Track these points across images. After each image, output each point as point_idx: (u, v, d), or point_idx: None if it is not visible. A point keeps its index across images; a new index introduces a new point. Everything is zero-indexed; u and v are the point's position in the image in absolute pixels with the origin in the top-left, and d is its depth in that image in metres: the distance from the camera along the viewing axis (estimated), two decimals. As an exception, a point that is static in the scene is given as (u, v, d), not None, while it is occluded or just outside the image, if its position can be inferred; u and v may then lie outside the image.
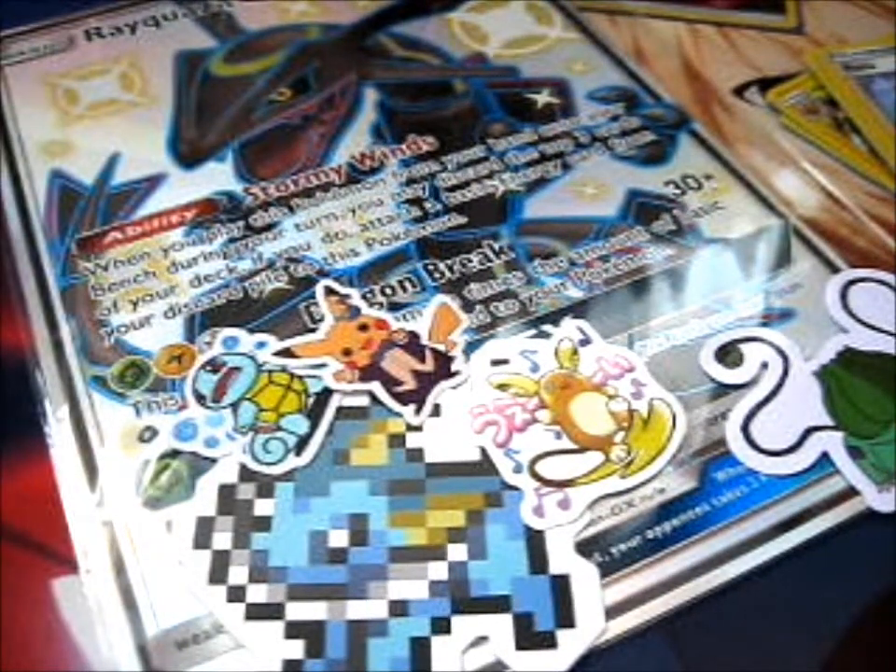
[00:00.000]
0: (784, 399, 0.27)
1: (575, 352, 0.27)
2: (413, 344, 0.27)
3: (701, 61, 0.38)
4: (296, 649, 0.22)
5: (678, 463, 0.25)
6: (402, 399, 0.26)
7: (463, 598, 0.23)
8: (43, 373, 0.27)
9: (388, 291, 0.29)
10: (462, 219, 0.32)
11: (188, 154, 0.34)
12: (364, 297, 0.29)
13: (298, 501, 0.24)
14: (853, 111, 0.36)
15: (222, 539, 0.24)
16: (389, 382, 0.26)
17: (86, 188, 0.33)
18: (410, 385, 0.26)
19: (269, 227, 0.31)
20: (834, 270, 0.30)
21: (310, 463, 0.25)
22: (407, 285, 0.30)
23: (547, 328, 0.28)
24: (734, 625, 0.23)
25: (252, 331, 0.28)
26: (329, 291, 0.29)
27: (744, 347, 0.28)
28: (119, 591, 0.23)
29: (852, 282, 0.29)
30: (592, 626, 0.22)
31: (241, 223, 0.32)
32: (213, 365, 0.27)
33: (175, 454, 0.25)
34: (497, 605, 0.22)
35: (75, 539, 0.24)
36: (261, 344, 0.27)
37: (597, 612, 0.22)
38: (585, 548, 0.24)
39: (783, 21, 0.40)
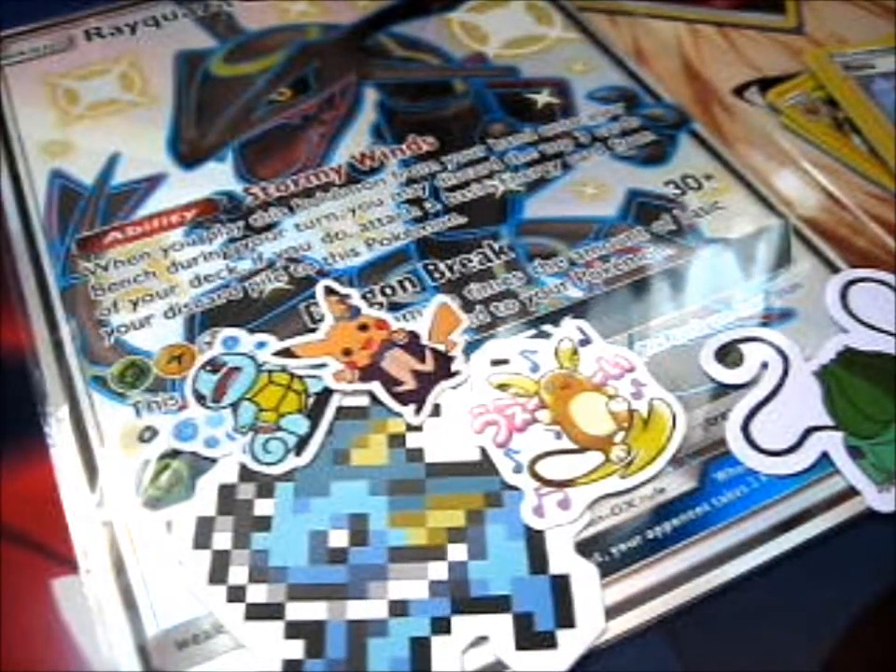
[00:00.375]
0: (784, 399, 0.27)
1: (575, 352, 0.27)
2: (413, 344, 0.27)
3: (701, 61, 0.38)
4: (296, 649, 0.22)
5: (678, 463, 0.25)
6: (402, 399, 0.26)
7: (463, 598, 0.23)
8: (43, 373, 0.27)
9: (388, 291, 0.29)
10: (462, 219, 0.32)
11: (188, 154, 0.34)
12: (364, 297, 0.29)
13: (298, 501, 0.24)
14: (853, 111, 0.36)
15: (222, 539, 0.24)
16: (389, 382, 0.26)
17: (86, 188, 0.33)
18: (410, 385, 0.26)
19: (269, 227, 0.31)
20: (834, 270, 0.30)
21: (310, 463, 0.25)
22: (407, 285, 0.30)
23: (547, 328, 0.28)
24: (734, 625, 0.23)
25: (252, 331, 0.28)
26: (329, 291, 0.29)
27: (744, 347, 0.28)
28: (119, 591, 0.23)
29: (852, 282, 0.29)
30: (592, 626, 0.22)
31: (241, 223, 0.32)
32: (213, 365, 0.27)
33: (175, 454, 0.25)
34: (497, 605, 0.22)
35: (75, 539, 0.24)
36: (261, 344, 0.27)
37: (597, 612, 0.22)
38: (585, 548, 0.24)
39: (783, 21, 0.40)
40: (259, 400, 0.26)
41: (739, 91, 0.37)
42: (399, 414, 0.26)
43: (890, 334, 0.28)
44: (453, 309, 0.29)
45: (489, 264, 0.30)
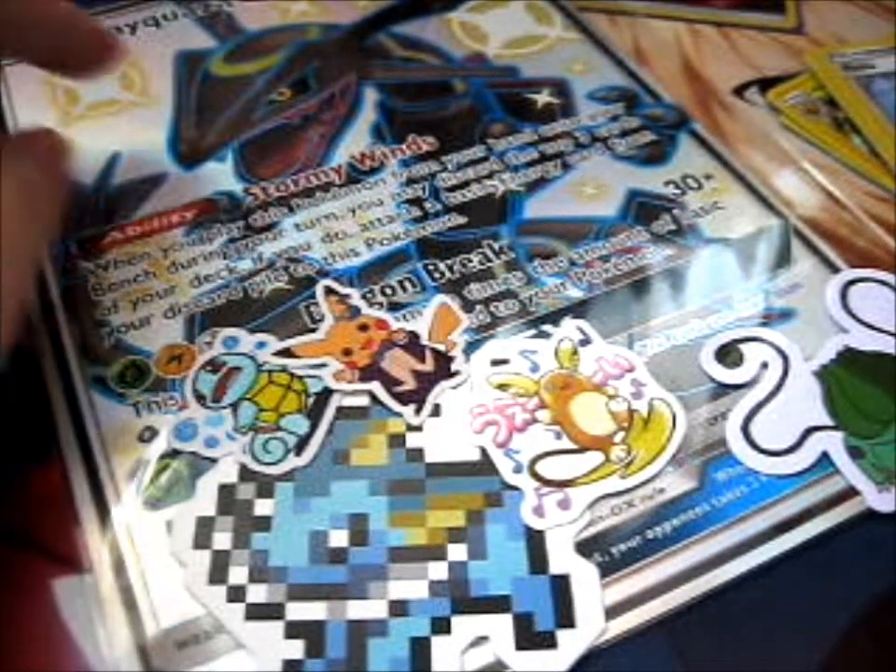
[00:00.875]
0: (784, 399, 0.27)
1: (575, 352, 0.27)
2: (413, 344, 0.27)
3: (701, 61, 0.38)
4: (296, 649, 0.22)
5: (678, 463, 0.25)
6: (402, 399, 0.26)
7: (463, 598, 0.23)
8: (43, 373, 0.27)
9: (388, 291, 0.29)
10: (462, 219, 0.32)
11: (188, 154, 0.34)
12: (364, 297, 0.29)
13: (298, 501, 0.24)
14: (853, 111, 0.36)
15: (222, 539, 0.24)
16: (389, 382, 0.26)
17: (86, 188, 0.33)
18: (410, 385, 0.26)
19: (269, 227, 0.31)
20: (834, 270, 0.30)
21: (310, 463, 0.25)
22: (407, 285, 0.30)
23: (547, 328, 0.28)
24: (734, 625, 0.23)
25: (252, 331, 0.28)
26: (329, 291, 0.29)
27: (744, 347, 0.28)
28: (119, 591, 0.23)
29: (852, 282, 0.29)
30: (592, 626, 0.22)
31: (241, 223, 0.32)
32: (213, 365, 0.27)
33: (175, 454, 0.25)
34: (497, 605, 0.22)
35: (75, 539, 0.24)
36: (261, 344, 0.27)
37: (597, 612, 0.22)
38: (585, 548, 0.24)
39: (783, 20, 0.40)
40: (259, 400, 0.26)
41: (739, 91, 0.37)
42: (399, 414, 0.26)
43: (890, 334, 0.28)
44: (453, 309, 0.29)
45: (489, 264, 0.30)
